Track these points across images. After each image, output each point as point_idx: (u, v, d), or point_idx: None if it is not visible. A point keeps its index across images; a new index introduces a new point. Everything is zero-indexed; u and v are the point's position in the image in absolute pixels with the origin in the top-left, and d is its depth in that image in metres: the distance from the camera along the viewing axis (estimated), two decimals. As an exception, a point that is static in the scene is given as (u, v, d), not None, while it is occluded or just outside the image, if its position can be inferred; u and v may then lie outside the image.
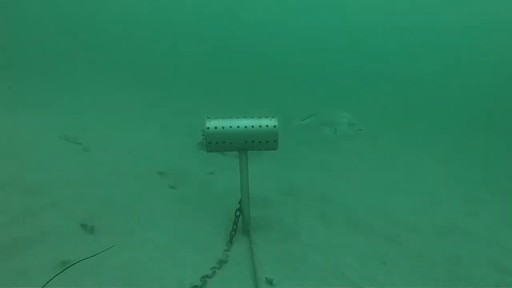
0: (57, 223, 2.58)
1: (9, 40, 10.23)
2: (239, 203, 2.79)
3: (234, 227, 2.72)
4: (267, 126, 2.62)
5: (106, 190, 3.17)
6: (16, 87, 6.86)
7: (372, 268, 2.48)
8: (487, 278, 2.51)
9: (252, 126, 2.61)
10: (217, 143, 2.60)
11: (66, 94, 6.96)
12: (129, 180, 3.53)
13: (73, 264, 1.96)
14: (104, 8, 14.80)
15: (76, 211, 2.78)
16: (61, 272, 1.89)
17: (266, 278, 2.18)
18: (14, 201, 2.80)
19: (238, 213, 2.78)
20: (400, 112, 8.96)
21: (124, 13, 15.14)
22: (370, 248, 2.75)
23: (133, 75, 9.62)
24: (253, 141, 2.62)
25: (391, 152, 5.87)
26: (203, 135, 2.61)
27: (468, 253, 2.80)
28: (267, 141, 2.64)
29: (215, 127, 2.59)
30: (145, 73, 10.07)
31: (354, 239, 2.87)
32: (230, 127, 2.59)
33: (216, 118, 2.66)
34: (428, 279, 2.40)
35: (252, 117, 2.68)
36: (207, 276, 2.18)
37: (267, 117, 2.68)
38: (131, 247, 2.41)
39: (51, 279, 1.84)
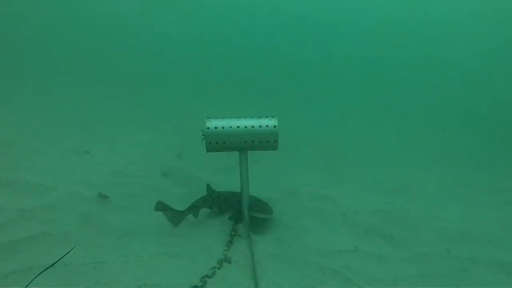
0: (57, 224, 2.58)
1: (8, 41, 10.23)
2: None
3: (234, 227, 2.73)
4: (267, 126, 2.62)
5: (106, 191, 3.17)
6: (15, 87, 6.87)
7: (372, 268, 2.48)
8: (487, 278, 2.50)
9: (252, 126, 2.61)
10: (217, 143, 2.61)
11: (66, 95, 6.96)
12: (129, 181, 3.53)
13: (47, 269, 1.97)
14: (103, 8, 14.78)
15: (76, 211, 2.78)
16: (40, 273, 1.91)
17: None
18: (14, 201, 2.80)
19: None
20: (399, 111, 8.95)
21: (121, 13, 15.10)
22: (370, 248, 2.75)
23: (132, 75, 9.61)
24: (253, 141, 2.62)
25: (391, 152, 5.87)
26: (203, 135, 2.60)
27: (468, 253, 2.80)
28: (267, 141, 2.64)
29: (215, 127, 2.59)
30: (144, 73, 10.07)
31: (353, 239, 2.87)
32: (230, 127, 2.60)
33: (216, 118, 2.66)
34: (428, 279, 2.40)
35: (252, 117, 2.68)
36: (207, 276, 2.18)
37: (267, 117, 2.68)
38: (132, 246, 2.41)
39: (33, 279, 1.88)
